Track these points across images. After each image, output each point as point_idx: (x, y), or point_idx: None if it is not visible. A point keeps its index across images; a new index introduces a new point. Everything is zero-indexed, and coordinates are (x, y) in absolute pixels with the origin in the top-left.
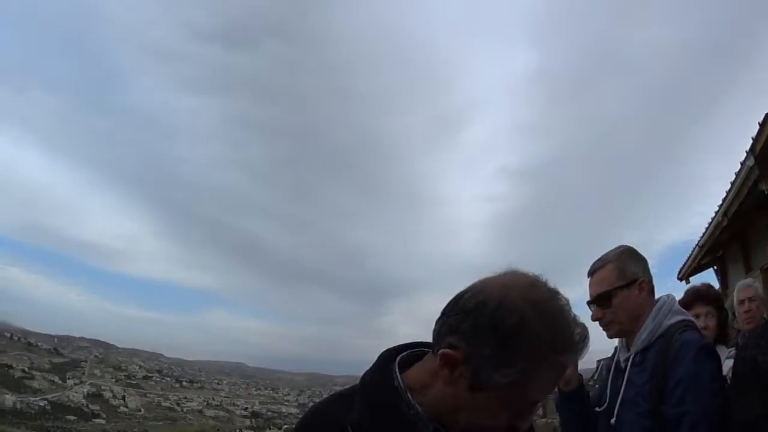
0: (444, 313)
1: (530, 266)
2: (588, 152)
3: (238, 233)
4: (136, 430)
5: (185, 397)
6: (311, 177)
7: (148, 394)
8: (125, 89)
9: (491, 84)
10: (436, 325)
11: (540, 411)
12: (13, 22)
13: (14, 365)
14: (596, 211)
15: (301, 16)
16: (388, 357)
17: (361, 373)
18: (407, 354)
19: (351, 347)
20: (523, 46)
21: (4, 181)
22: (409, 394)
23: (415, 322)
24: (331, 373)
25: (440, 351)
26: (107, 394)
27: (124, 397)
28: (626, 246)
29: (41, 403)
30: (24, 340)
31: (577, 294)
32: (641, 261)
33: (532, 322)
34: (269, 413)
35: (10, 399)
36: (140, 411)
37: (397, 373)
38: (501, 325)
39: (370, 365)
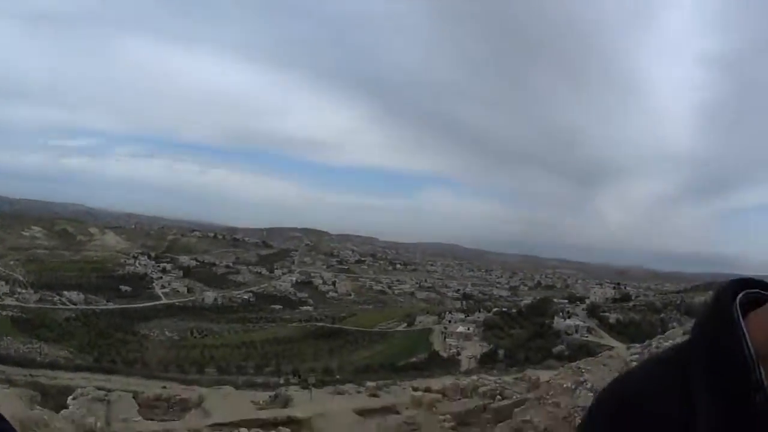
0: None
1: (733, 159)
2: None
3: (452, 119)
4: (344, 314)
5: (398, 280)
6: (518, 66)
7: (359, 279)
8: None
9: None
10: None
11: None
12: None
13: (217, 262)
14: None
15: None
16: (724, 300)
17: (571, 259)
18: (744, 295)
19: (561, 229)
20: None
21: (212, 91)
22: (760, 368)
23: (624, 207)
24: (543, 256)
25: None
26: (317, 281)
27: (334, 283)
28: None
29: (245, 296)
30: (229, 237)
31: None
32: None
33: None
34: (480, 295)
35: (210, 296)
36: (350, 295)
37: (745, 331)
38: None
39: (702, 313)
